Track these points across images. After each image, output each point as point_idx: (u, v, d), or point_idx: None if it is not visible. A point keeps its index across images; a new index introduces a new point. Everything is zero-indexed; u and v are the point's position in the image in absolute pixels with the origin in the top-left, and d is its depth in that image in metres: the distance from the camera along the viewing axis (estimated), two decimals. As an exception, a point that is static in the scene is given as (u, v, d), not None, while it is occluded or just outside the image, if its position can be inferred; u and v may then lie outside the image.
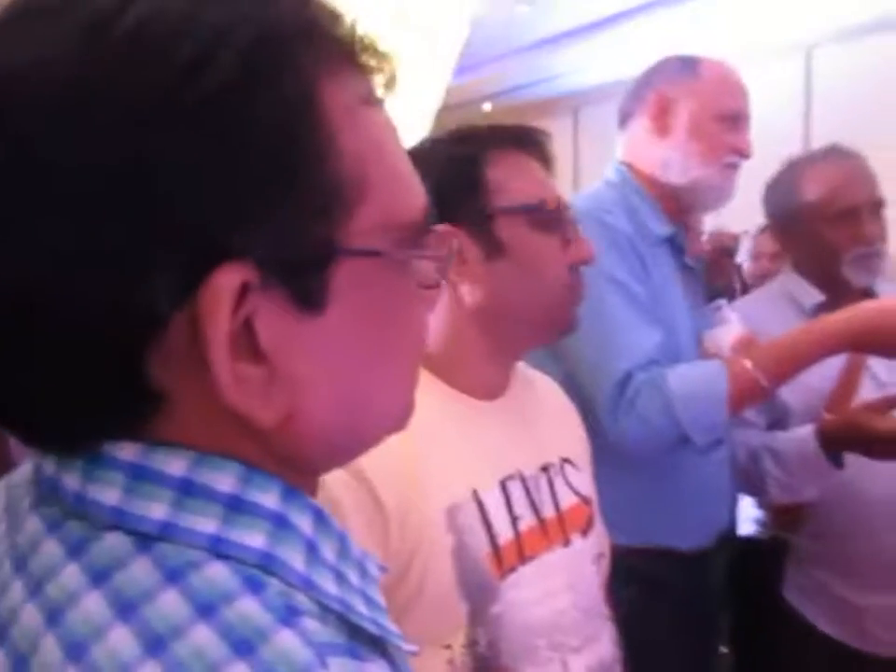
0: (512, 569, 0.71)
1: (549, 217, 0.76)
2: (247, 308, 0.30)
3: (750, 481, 1.24)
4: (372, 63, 0.36)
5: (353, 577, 0.35)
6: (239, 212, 0.30)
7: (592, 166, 5.77)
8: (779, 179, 1.36)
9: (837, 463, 1.16)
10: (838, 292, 1.25)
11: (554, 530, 0.76)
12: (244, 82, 0.30)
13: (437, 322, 0.77)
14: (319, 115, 0.32)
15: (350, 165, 0.33)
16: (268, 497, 0.33)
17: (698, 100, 1.15)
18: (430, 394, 0.72)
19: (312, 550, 0.33)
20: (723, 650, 1.37)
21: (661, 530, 1.14)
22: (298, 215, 0.31)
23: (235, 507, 0.32)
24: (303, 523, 0.34)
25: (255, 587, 0.30)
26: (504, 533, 0.72)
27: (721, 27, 4.60)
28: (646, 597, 1.10)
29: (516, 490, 0.75)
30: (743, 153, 1.17)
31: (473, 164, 0.75)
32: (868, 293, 1.27)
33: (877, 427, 1.08)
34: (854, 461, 1.15)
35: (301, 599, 0.31)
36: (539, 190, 0.76)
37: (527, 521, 0.74)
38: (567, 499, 0.80)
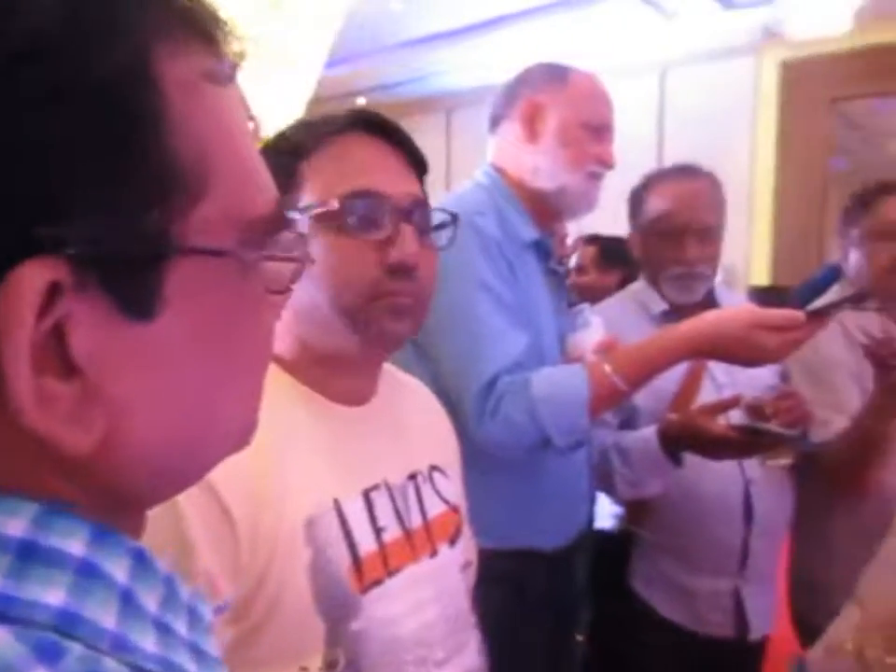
0: (376, 583, 0.69)
1: (359, 214, 0.69)
2: (57, 313, 0.25)
3: (603, 477, 1.30)
4: (220, 36, 0.32)
5: (181, 627, 0.31)
6: (50, 195, 0.24)
7: (464, 167, 5.86)
8: (634, 192, 1.45)
9: (677, 461, 1.23)
10: (681, 303, 1.36)
11: (421, 541, 0.75)
12: (60, 36, 0.25)
13: (298, 321, 0.73)
14: (153, 83, 0.27)
15: (189, 147, 0.28)
16: (72, 543, 0.28)
17: (567, 108, 1.18)
18: (290, 398, 0.68)
19: (127, 601, 0.29)
20: (579, 637, 1.43)
21: (525, 532, 1.16)
22: (124, 202, 0.26)
23: (27, 556, 0.26)
24: (118, 570, 0.29)
25: (48, 656, 0.25)
26: (367, 545, 0.69)
27: (586, 42, 4.81)
28: (510, 599, 1.12)
29: (381, 500, 0.73)
30: (606, 163, 1.20)
31: (293, 155, 0.70)
32: (710, 302, 1.37)
33: (711, 429, 1.15)
34: (692, 460, 1.24)
35: (110, 665, 0.27)
36: (353, 182, 0.69)
37: (392, 532, 0.72)
38: (435, 508, 0.78)
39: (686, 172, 1.41)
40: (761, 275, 5.10)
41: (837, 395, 1.34)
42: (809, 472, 1.30)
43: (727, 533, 1.31)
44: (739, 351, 0.99)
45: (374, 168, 0.70)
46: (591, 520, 1.36)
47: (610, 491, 1.34)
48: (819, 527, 1.27)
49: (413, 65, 5.65)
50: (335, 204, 0.68)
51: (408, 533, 0.73)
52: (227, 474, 0.57)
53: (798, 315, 1.00)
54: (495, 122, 1.24)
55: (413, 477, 0.77)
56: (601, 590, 1.38)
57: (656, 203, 1.36)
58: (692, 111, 5.14)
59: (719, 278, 1.44)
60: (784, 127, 4.88)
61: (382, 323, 0.71)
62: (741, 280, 5.20)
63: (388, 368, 0.82)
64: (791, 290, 3.56)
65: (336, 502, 0.68)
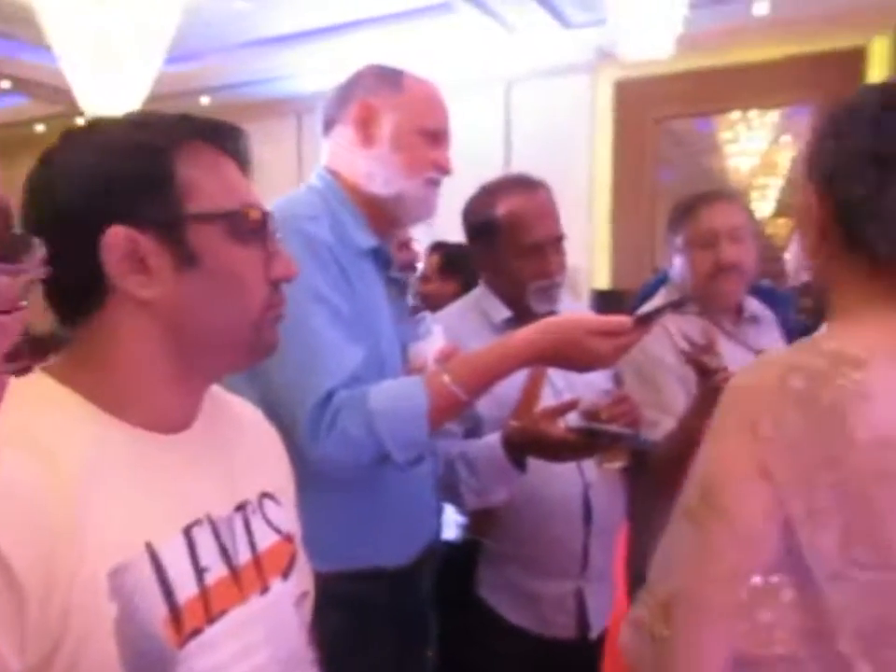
0: (197, 632, 0.63)
1: (250, 227, 0.68)
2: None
3: (448, 488, 1.29)
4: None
5: None
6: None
7: (316, 172, 5.77)
8: (474, 202, 1.43)
9: (521, 467, 1.24)
10: (525, 312, 1.36)
11: (250, 578, 0.69)
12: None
13: (102, 344, 0.66)
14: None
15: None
16: None
17: (402, 113, 1.15)
18: (92, 431, 0.61)
19: None
20: (429, 653, 1.41)
21: (366, 551, 1.12)
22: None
23: None
24: None
25: None
26: (186, 590, 0.63)
27: (435, 50, 4.89)
28: (351, 623, 1.08)
29: (203, 537, 0.66)
30: (444, 169, 1.18)
31: (161, 156, 0.65)
32: (551, 314, 1.40)
33: (552, 432, 1.17)
34: (534, 465, 1.25)
35: None
36: (238, 196, 0.68)
37: (216, 572, 0.66)
38: (266, 539, 0.73)
39: (527, 183, 1.41)
40: (602, 279, 5.43)
41: (664, 396, 1.42)
42: (640, 472, 1.36)
43: (569, 536, 1.34)
44: (575, 357, 1.01)
45: (241, 180, 0.71)
46: (438, 533, 1.35)
47: (457, 501, 1.34)
48: (650, 523, 1.35)
49: (261, 66, 5.49)
50: (253, 214, 0.68)
51: (235, 571, 0.67)
52: (14, 533, 0.53)
53: (626, 320, 1.02)
54: (328, 125, 1.19)
55: (241, 508, 0.71)
56: (448, 601, 1.37)
57: (508, 217, 1.35)
58: (536, 125, 5.38)
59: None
60: (618, 142, 5.23)
61: (271, 334, 0.72)
62: (584, 284, 5.50)
63: (213, 388, 0.75)
64: (629, 294, 3.80)
65: (149, 546, 0.61)
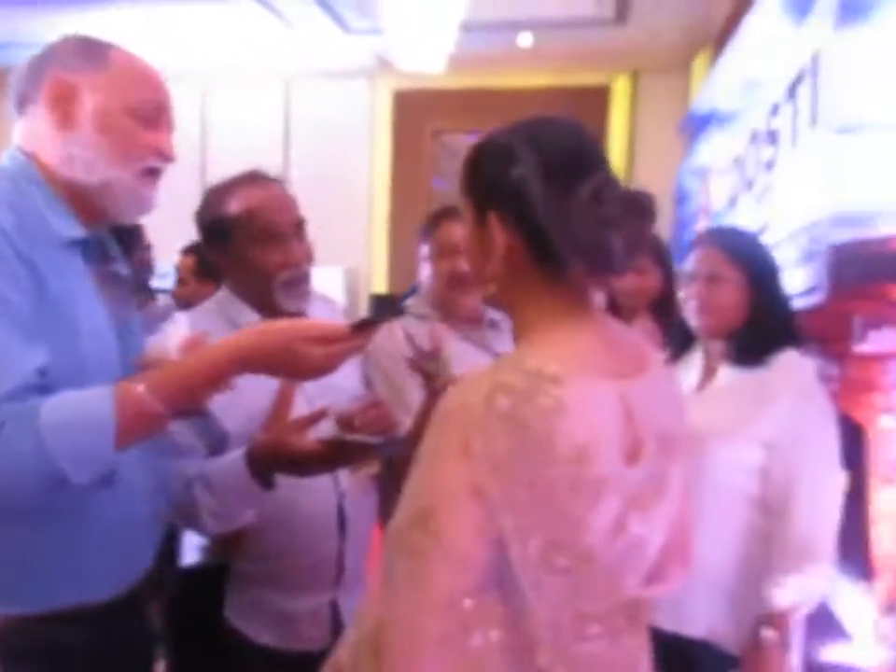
0: None
1: None
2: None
3: (185, 512, 1.18)
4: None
5: None
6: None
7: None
8: (205, 203, 1.35)
9: (268, 485, 1.17)
10: (273, 313, 1.28)
11: None
12: None
13: None
14: None
15: None
16: None
17: (107, 91, 1.01)
18: None
19: None
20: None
21: (61, 587, 0.97)
22: None
23: None
24: None
25: None
26: None
27: (207, 39, 4.65)
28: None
29: None
30: (164, 155, 1.05)
31: None
32: (299, 314, 1.36)
33: (298, 446, 1.11)
34: (287, 479, 1.18)
35: None
36: None
37: None
38: None
39: (259, 177, 1.34)
40: (380, 283, 5.53)
41: (406, 397, 1.43)
42: (388, 475, 1.39)
43: (324, 548, 1.30)
44: (290, 364, 0.95)
45: None
46: (173, 555, 1.24)
47: (196, 527, 1.22)
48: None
49: (5, 29, 4.83)
50: None
51: None
52: None
53: (341, 327, 0.99)
54: (22, 103, 1.03)
55: None
56: (191, 632, 1.27)
57: (241, 211, 1.28)
58: (316, 124, 5.33)
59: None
60: (397, 149, 5.37)
61: None
62: (364, 286, 5.57)
63: None
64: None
65: None
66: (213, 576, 1.30)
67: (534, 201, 0.76)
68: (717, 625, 1.42)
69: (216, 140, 5.27)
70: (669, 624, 1.40)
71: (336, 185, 5.10)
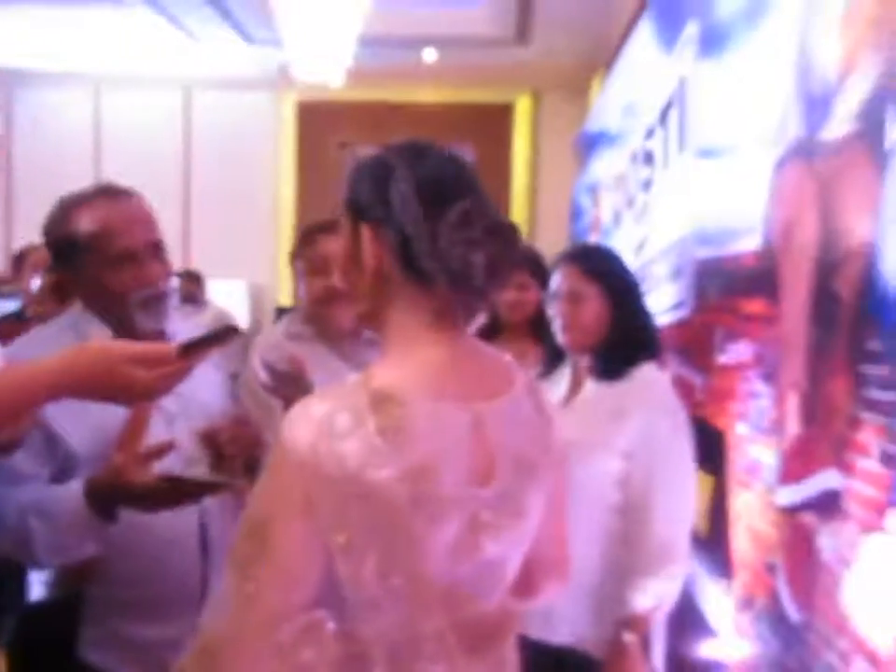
0: None
1: None
2: None
3: (18, 544, 1.12)
4: None
5: None
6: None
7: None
8: (52, 219, 1.28)
9: (110, 518, 1.11)
10: (129, 333, 1.23)
11: None
12: None
13: None
14: None
15: None
16: None
17: None
18: None
19: None
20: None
21: None
22: None
23: None
24: None
25: None
26: None
27: (101, 50, 4.50)
28: None
29: None
30: None
31: None
32: (158, 334, 1.31)
33: (135, 481, 1.06)
34: None
35: None
36: None
37: None
38: None
39: (111, 192, 1.28)
40: (286, 296, 5.46)
41: (276, 419, 1.45)
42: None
43: (186, 571, 1.24)
44: (114, 387, 0.91)
45: None
46: (19, 595, 1.15)
47: (30, 559, 1.15)
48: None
49: None
50: None
51: None
52: None
53: (168, 349, 0.95)
54: None
55: None
56: (39, 667, 1.18)
57: (92, 229, 1.22)
58: (218, 134, 5.22)
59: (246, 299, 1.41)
60: (302, 161, 5.33)
61: None
62: (269, 299, 5.48)
63: None
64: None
65: None
66: (60, 610, 1.23)
67: (405, 217, 0.78)
68: (582, 631, 1.46)
69: (110, 149, 5.08)
70: (536, 632, 1.43)
71: (240, 197, 5.02)
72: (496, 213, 0.82)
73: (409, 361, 0.79)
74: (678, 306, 2.08)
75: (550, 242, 3.68)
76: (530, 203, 5.39)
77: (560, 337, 1.56)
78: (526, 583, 0.94)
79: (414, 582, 0.76)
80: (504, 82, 5.23)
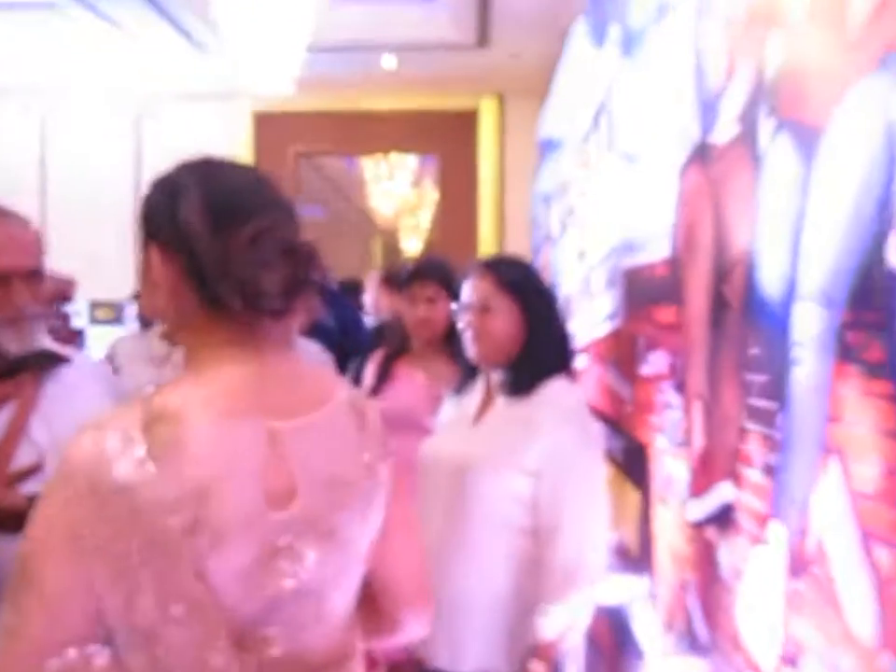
0: None
1: None
2: None
3: None
4: None
5: None
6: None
7: None
8: None
9: None
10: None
11: None
12: None
13: None
14: None
15: None
16: None
17: None
18: None
19: None
20: None
21: None
22: None
23: None
24: None
25: None
26: None
27: (46, 61, 4.43)
28: None
29: None
30: None
31: None
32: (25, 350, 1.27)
33: (2, 503, 1.05)
34: None
35: None
36: None
37: None
38: None
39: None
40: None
41: None
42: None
43: None
44: None
45: None
46: None
47: None
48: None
49: None
50: None
51: None
52: None
53: None
54: None
55: None
56: None
57: None
58: (171, 146, 5.15)
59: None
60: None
61: None
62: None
63: None
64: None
65: None
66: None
67: (192, 237, 0.75)
68: (490, 660, 1.40)
69: (57, 162, 5.00)
70: (444, 663, 1.37)
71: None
72: (296, 232, 0.79)
73: (201, 379, 0.76)
74: (612, 316, 2.04)
75: (519, 249, 3.63)
76: (498, 210, 5.34)
77: (469, 350, 1.51)
78: (379, 618, 0.89)
79: (198, 611, 0.71)
80: (467, 87, 5.19)
